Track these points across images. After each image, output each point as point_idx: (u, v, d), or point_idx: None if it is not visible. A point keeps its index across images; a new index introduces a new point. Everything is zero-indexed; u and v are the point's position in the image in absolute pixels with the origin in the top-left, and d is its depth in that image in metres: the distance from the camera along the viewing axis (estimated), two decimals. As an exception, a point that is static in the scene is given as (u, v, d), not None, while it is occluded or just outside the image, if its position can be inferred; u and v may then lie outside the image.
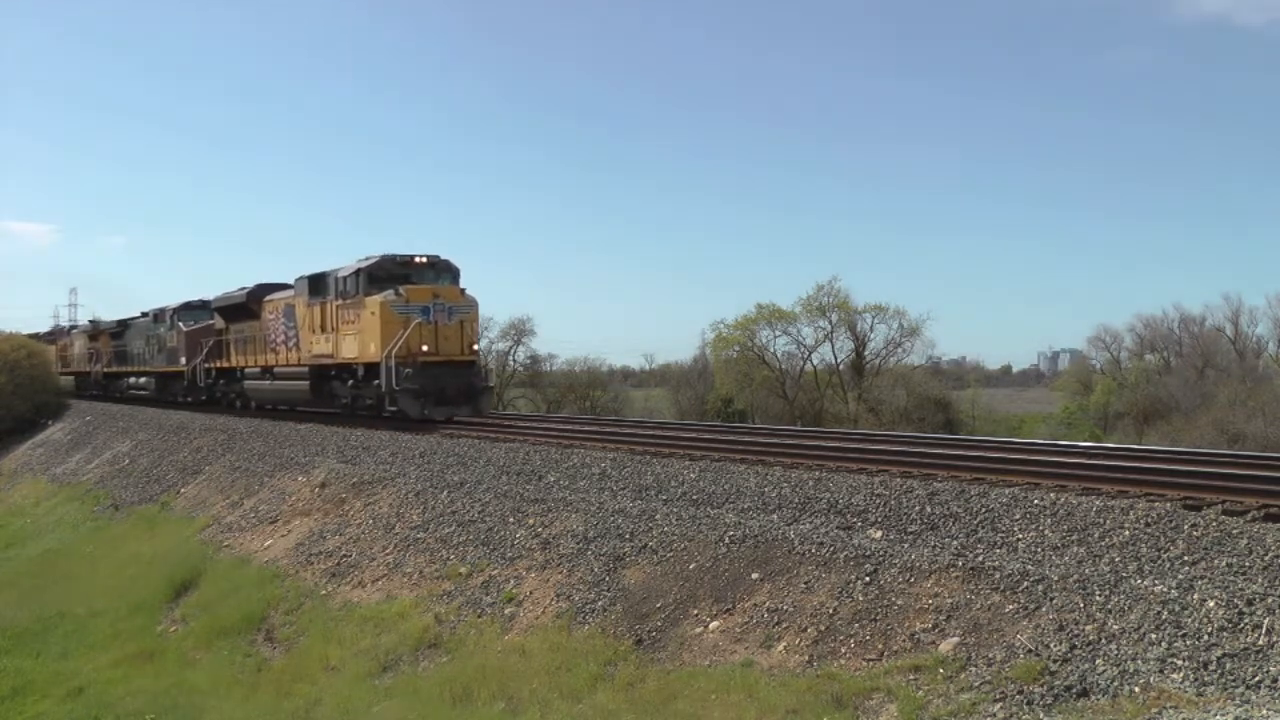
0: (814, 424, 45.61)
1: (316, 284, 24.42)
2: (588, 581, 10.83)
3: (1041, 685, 6.81)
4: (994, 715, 6.71)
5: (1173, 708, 6.14)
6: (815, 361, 59.58)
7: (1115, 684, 6.56)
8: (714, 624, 9.26)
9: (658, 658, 9.18)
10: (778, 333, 58.68)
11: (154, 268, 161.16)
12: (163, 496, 22.14)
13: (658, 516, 11.44)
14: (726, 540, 10.30)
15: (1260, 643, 6.52)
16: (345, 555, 14.47)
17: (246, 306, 28.59)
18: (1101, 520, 8.79)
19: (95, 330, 46.23)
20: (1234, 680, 6.27)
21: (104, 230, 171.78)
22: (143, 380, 39.28)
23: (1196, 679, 6.37)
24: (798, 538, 9.84)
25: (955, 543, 9.03)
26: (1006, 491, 9.96)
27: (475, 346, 22.17)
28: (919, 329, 58.98)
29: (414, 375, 21.14)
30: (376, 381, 21.71)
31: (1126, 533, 8.46)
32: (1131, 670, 6.64)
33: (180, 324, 34.04)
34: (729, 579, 9.73)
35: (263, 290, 28.13)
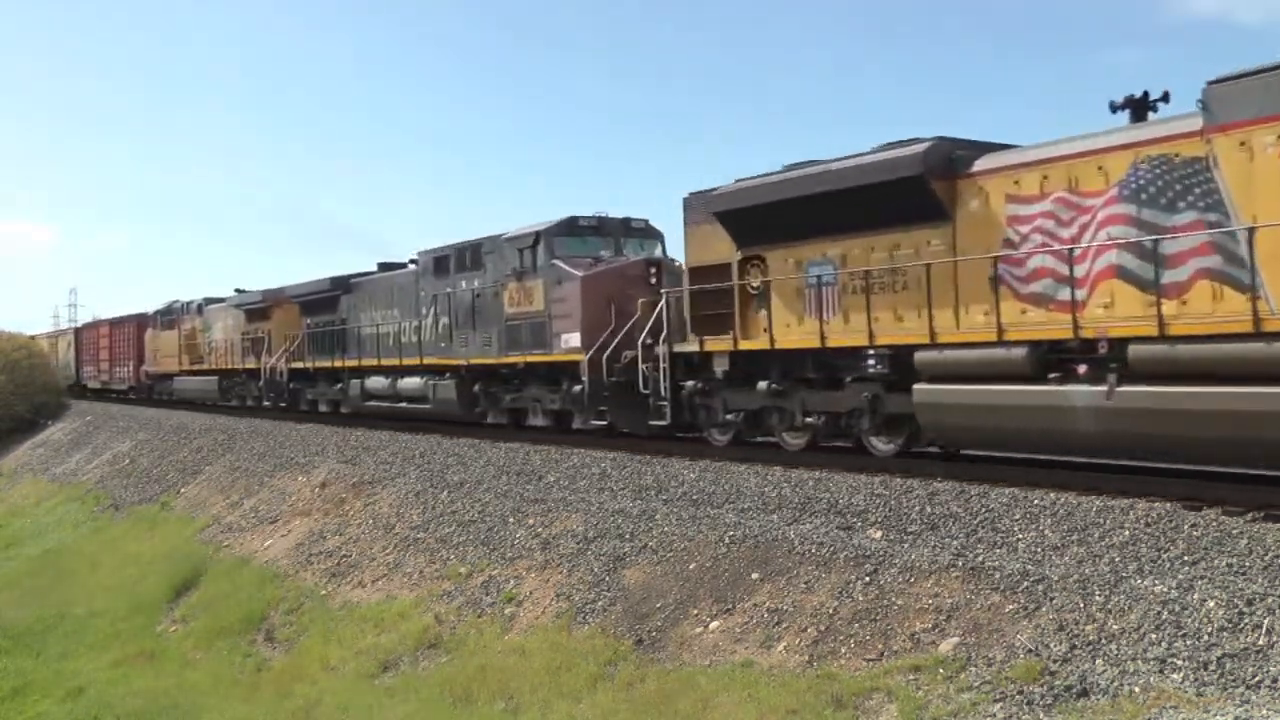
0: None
1: None
2: (588, 581, 10.84)
3: (1041, 685, 6.81)
4: (994, 715, 6.72)
5: (1173, 708, 6.15)
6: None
7: (1115, 684, 6.57)
8: (714, 624, 9.27)
9: (658, 658, 9.19)
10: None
11: (155, 267, 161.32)
12: (163, 496, 22.16)
13: (658, 516, 11.45)
14: (726, 540, 10.30)
15: (1260, 643, 6.52)
16: (345, 555, 14.49)
17: (918, 183, 11.22)
18: (1101, 520, 8.79)
19: (264, 302, 27.86)
20: (1234, 680, 6.27)
21: (104, 230, 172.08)
22: (409, 383, 20.60)
23: (1196, 679, 6.38)
24: (798, 538, 9.85)
25: (955, 543, 9.03)
26: (1006, 491, 9.97)
27: None
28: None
29: None
30: None
31: (1126, 533, 8.46)
32: (1131, 670, 6.64)
33: (558, 261, 16.66)
34: (729, 579, 9.73)
35: (961, 150, 11.35)
